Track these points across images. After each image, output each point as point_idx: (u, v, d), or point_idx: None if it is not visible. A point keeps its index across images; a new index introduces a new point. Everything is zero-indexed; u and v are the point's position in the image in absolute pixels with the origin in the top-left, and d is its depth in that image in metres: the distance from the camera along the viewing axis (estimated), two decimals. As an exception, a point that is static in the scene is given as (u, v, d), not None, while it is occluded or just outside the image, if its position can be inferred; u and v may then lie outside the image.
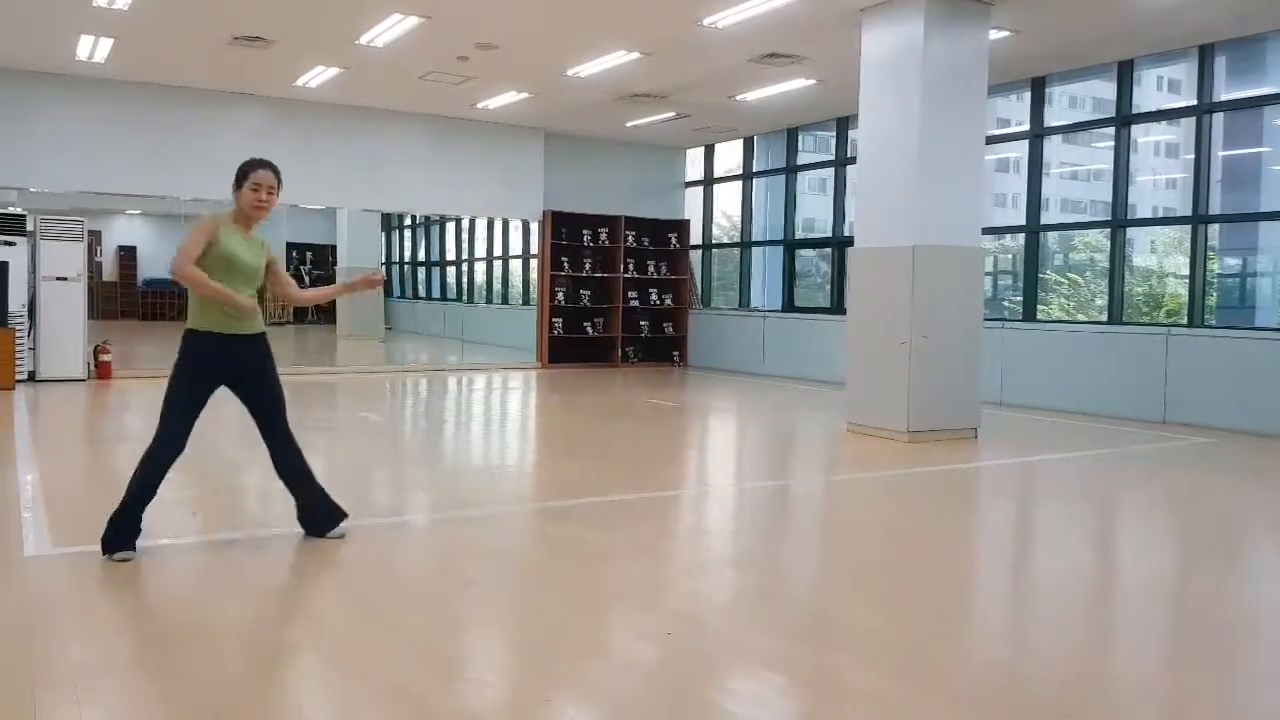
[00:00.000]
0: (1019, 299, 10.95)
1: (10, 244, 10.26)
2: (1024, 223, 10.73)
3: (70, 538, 4.45)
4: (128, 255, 24.85)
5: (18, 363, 10.02)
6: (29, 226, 10.47)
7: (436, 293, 23.02)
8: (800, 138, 13.71)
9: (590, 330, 14.75)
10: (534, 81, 11.19)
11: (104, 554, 4.02)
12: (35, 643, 3.27)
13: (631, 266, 14.90)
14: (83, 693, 2.88)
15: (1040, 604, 4.10)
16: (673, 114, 12.60)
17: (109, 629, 3.42)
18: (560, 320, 14.47)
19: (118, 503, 4.08)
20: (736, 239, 15.15)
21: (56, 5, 8.58)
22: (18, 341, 10.01)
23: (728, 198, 15.37)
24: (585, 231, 14.56)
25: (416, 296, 24.27)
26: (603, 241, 14.70)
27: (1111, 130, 10.00)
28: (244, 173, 4.28)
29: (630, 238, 14.81)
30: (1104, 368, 9.51)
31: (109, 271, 24.19)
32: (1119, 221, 9.91)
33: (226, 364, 4.20)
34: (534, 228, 15.05)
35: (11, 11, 8.81)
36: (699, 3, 8.13)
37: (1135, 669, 3.34)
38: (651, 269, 15.12)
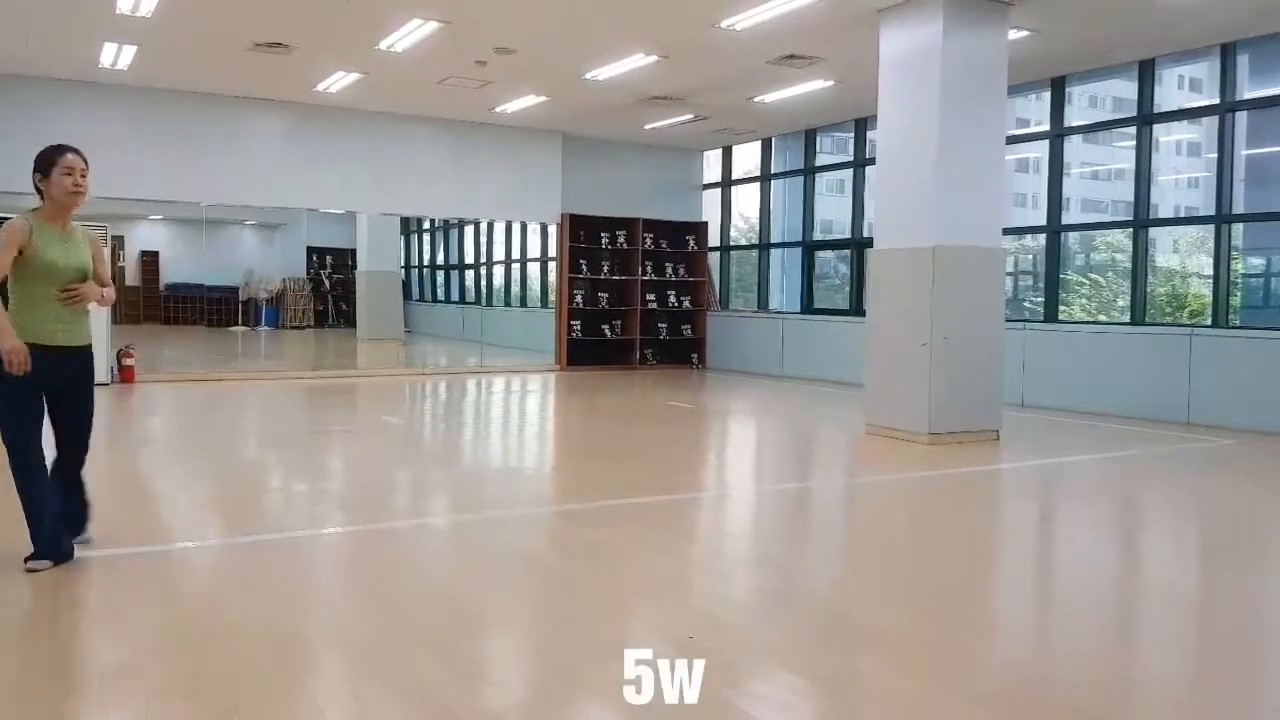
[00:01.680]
0: (1040, 300, 10.88)
1: (36, 250, 10.39)
2: (1045, 223, 10.66)
3: (99, 541, 4.49)
4: (150, 260, 25.10)
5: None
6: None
7: (455, 296, 23.12)
8: (818, 139, 13.68)
9: (608, 332, 14.76)
10: (552, 85, 11.22)
11: (26, 561, 3.89)
12: (62, 644, 3.31)
13: (650, 269, 14.91)
14: (109, 693, 2.92)
15: (1063, 606, 4.07)
16: (690, 116, 12.60)
17: (134, 630, 3.46)
18: (578, 323, 14.50)
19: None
20: (754, 241, 15.13)
21: (81, 13, 8.69)
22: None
23: (746, 199, 15.36)
24: (603, 234, 14.58)
25: (435, 300, 24.38)
26: (621, 244, 14.71)
27: (1132, 129, 9.92)
28: (50, 159, 3.87)
29: (648, 240, 14.82)
30: (1127, 369, 9.42)
31: (131, 276, 24.44)
32: (1141, 221, 9.83)
33: (52, 376, 3.87)
34: (552, 230, 15.09)
35: (37, 20, 8.92)
36: (716, 5, 8.13)
37: (1158, 671, 3.32)
38: (670, 271, 15.12)
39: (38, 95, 10.93)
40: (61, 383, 3.95)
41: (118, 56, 10.04)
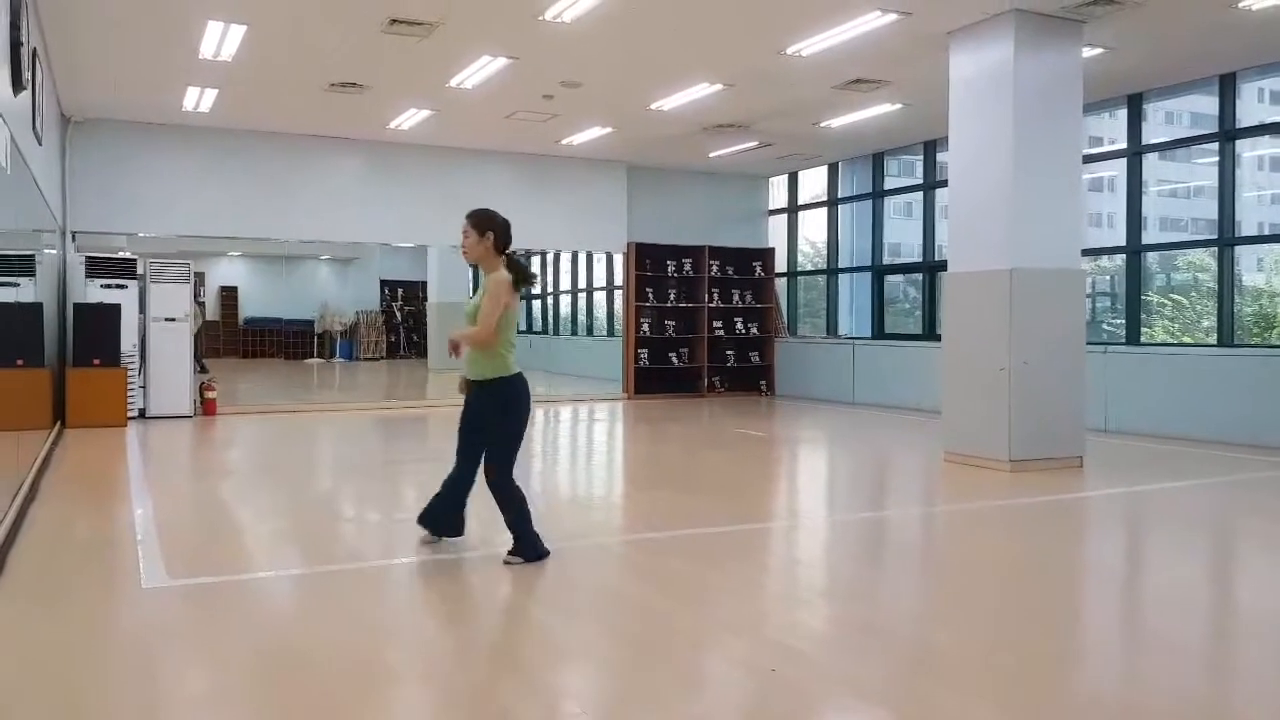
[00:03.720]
0: (1119, 321, 10.55)
1: (123, 287, 10.80)
2: (1124, 243, 10.36)
3: (185, 570, 4.61)
4: (229, 295, 25.94)
5: (129, 400, 10.50)
6: (139, 270, 11.02)
7: (522, 325, 23.40)
8: (885, 162, 13.55)
9: (676, 360, 14.75)
10: (617, 116, 11.33)
11: (527, 559, 4.67)
12: (156, 673, 3.38)
13: (716, 296, 14.89)
14: (201, 722, 2.96)
15: (1154, 639, 3.89)
16: (755, 143, 12.59)
17: (225, 659, 3.51)
18: (646, 351, 14.52)
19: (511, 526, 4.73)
20: (821, 266, 15.01)
21: (168, 60, 9.06)
22: (129, 380, 10.49)
23: (812, 225, 15.26)
24: (669, 262, 14.62)
25: (502, 330, 24.69)
26: (687, 272, 14.73)
27: (1212, 146, 9.61)
28: (505, 226, 4.76)
29: (714, 267, 14.82)
30: (1215, 392, 9.06)
31: (212, 311, 25.29)
32: (1226, 240, 9.49)
33: None
34: (618, 260, 15.17)
35: (126, 69, 9.34)
36: (781, 33, 8.13)
37: (1255, 708, 3.13)
38: (736, 298, 15.07)
39: (122, 138, 11.42)
40: None
41: (200, 100, 10.43)
